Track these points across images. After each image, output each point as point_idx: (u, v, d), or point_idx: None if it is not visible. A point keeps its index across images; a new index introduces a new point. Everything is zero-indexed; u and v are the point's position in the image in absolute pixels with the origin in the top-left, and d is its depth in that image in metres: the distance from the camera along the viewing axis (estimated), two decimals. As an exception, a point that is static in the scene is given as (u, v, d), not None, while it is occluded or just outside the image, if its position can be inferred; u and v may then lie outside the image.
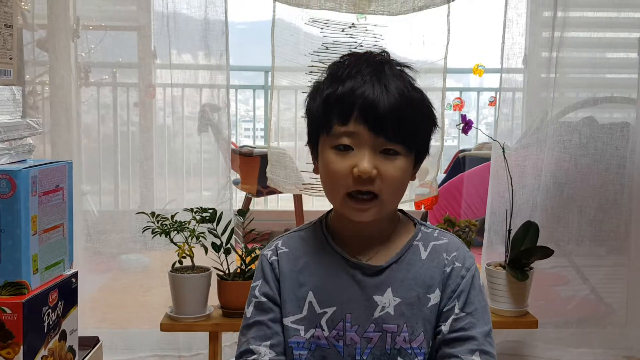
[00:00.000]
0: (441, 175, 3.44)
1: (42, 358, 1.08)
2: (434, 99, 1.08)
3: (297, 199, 3.47)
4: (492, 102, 4.05)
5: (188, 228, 1.95)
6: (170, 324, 1.94)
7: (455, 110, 3.16)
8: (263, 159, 2.35)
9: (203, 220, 1.95)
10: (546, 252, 2.00)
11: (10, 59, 1.17)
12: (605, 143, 2.28)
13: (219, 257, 1.96)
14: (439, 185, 2.69)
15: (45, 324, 1.09)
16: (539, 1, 2.32)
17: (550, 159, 2.26)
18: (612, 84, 2.49)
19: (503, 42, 2.21)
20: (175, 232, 1.94)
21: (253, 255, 1.97)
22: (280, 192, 3.56)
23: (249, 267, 1.98)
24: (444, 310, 1.05)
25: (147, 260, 2.43)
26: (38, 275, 1.09)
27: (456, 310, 1.04)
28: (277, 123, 2.36)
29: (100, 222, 2.37)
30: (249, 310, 1.08)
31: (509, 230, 2.04)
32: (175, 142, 2.44)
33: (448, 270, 1.06)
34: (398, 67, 1.04)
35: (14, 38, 1.12)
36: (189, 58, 2.36)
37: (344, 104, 0.99)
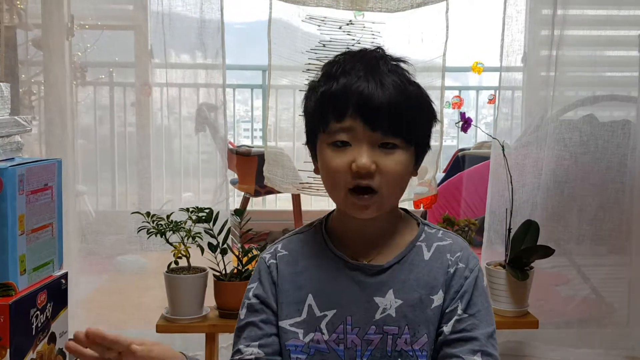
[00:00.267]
0: (440, 175, 3.41)
1: (30, 361, 1.05)
2: (433, 97, 1.07)
3: (296, 199, 3.45)
4: (491, 100, 4.03)
5: (184, 228, 1.92)
6: (166, 326, 1.92)
7: (454, 108, 3.14)
8: (261, 158, 2.32)
9: (199, 220, 1.92)
10: (546, 252, 1.98)
11: (-2, 55, 1.15)
12: (606, 141, 2.25)
13: (216, 258, 1.94)
14: (438, 185, 2.66)
15: (34, 327, 1.06)
16: (538, -2, 2.31)
17: (550, 157, 2.23)
18: (612, 82, 2.47)
19: (502, 39, 2.18)
20: (171, 232, 1.92)
21: (250, 255, 1.94)
22: (279, 192, 3.53)
23: (245, 268, 1.95)
24: (447, 311, 1.03)
25: (143, 261, 2.41)
26: (26, 276, 1.06)
27: (459, 312, 1.02)
28: (276, 123, 2.35)
29: (97, 223, 2.35)
30: (242, 313, 1.07)
31: (509, 230, 2.02)
32: (173, 142, 2.42)
33: (452, 271, 1.04)
34: (393, 62, 1.03)
35: (1, 35, 1.10)
36: (185, 57, 2.35)
37: (338, 100, 0.98)
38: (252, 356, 1.02)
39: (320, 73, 1.05)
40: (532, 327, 2.02)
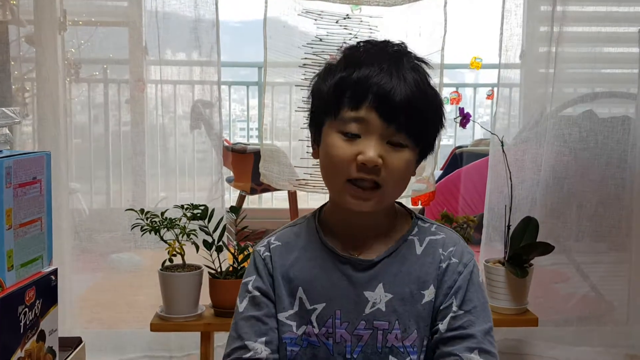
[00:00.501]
0: (438, 172, 3.39)
1: (18, 359, 1.02)
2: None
3: (292, 197, 3.42)
4: (489, 96, 4.01)
5: (179, 225, 1.89)
6: (161, 324, 1.89)
7: (452, 104, 3.12)
8: (257, 156, 2.30)
9: (194, 217, 1.90)
10: (546, 248, 1.95)
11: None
12: (606, 137, 2.23)
13: (211, 255, 1.91)
14: (436, 182, 2.63)
15: (22, 324, 1.03)
16: (536, -6, 2.29)
17: (549, 153, 2.21)
18: (611, 79, 2.45)
19: (501, 34, 2.16)
20: (166, 229, 1.89)
21: (246, 253, 1.92)
22: (275, 190, 3.51)
23: (241, 265, 1.93)
24: (441, 308, 1.01)
25: (138, 259, 2.39)
26: (13, 272, 1.03)
27: (454, 308, 1.00)
28: (272, 122, 2.33)
29: (90, 221, 2.32)
30: (242, 305, 1.05)
31: (508, 226, 2.00)
32: (167, 139, 2.40)
33: (444, 266, 1.02)
34: (416, 61, 1.01)
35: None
36: (180, 54, 2.33)
37: (358, 88, 0.96)
38: (264, 355, 1.00)
39: (339, 56, 1.03)
40: (531, 324, 2.00)
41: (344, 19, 2.11)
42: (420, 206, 2.67)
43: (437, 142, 1.08)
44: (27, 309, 1.04)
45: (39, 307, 1.07)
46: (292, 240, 1.07)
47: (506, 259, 1.99)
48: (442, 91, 2.16)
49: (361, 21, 2.11)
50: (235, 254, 1.92)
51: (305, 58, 2.09)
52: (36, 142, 2.29)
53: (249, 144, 3.59)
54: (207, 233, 1.89)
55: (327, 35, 2.11)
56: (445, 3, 2.10)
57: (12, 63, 2.35)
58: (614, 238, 2.29)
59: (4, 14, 2.34)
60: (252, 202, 4.50)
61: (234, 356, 1.01)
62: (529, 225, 2.00)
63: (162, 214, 1.91)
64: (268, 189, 3.38)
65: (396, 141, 0.97)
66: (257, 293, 1.04)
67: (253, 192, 3.42)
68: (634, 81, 2.32)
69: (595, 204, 2.25)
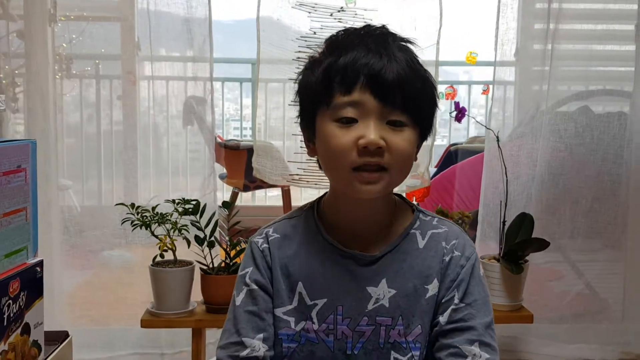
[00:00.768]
0: (432, 170, 3.36)
1: (1, 353, 0.99)
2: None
3: (286, 194, 3.40)
4: (485, 91, 4.00)
5: (170, 220, 1.86)
6: (151, 320, 1.86)
7: (447, 99, 3.10)
8: (250, 152, 2.27)
9: (186, 212, 1.87)
10: (541, 244, 1.93)
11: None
12: (602, 132, 2.22)
13: (203, 251, 1.88)
14: (431, 179, 2.61)
15: (5, 316, 1.00)
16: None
17: (545, 148, 2.20)
18: (605, 77, 2.44)
19: (497, 27, 2.14)
20: (157, 224, 1.86)
21: (238, 248, 1.89)
22: (268, 186, 3.48)
23: (233, 261, 1.90)
24: (443, 301, 0.99)
25: (129, 256, 2.36)
26: (-3, 263, 1.00)
27: (455, 301, 0.99)
28: (266, 122, 2.31)
29: (81, 217, 2.29)
30: (239, 298, 1.02)
31: (504, 222, 1.98)
32: (160, 135, 2.37)
33: (447, 259, 1.00)
34: (402, 42, 0.99)
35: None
36: (172, 49, 2.30)
37: (347, 72, 0.93)
38: (261, 352, 0.98)
39: (321, 47, 1.00)
40: (526, 321, 1.98)
41: (338, 11, 2.08)
42: (414, 202, 2.64)
43: (435, 121, 1.05)
44: (10, 301, 1.00)
45: (24, 299, 1.04)
46: (290, 233, 1.04)
47: (501, 255, 1.97)
48: (437, 80, 2.13)
49: (356, 14, 2.09)
50: (228, 249, 1.90)
51: (299, 52, 2.06)
52: (26, 136, 2.26)
53: (242, 141, 3.56)
54: (199, 228, 1.86)
55: (322, 29, 2.08)
56: (441, -4, 2.08)
57: (3, 58, 2.32)
58: (610, 234, 2.28)
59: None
60: (245, 200, 4.47)
61: (230, 352, 0.99)
62: (524, 221, 1.99)
63: (153, 208, 1.88)
64: (261, 185, 3.35)
65: (395, 120, 0.94)
66: (255, 287, 1.01)
67: (246, 189, 3.39)
68: (629, 79, 2.31)
69: (591, 200, 2.24)
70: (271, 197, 4.61)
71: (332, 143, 0.94)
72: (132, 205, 1.87)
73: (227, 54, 5.19)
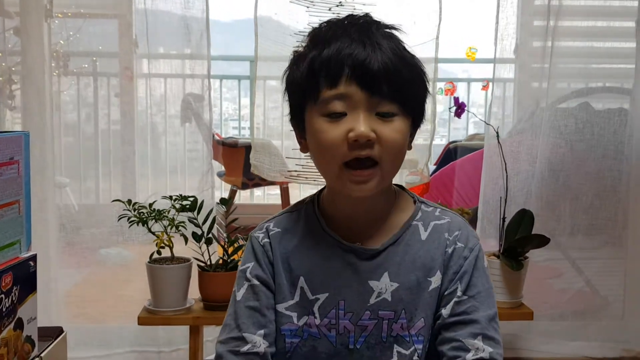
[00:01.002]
0: (431, 167, 3.35)
1: (-6, 348, 0.98)
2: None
3: (284, 192, 3.38)
4: (484, 87, 3.99)
5: (167, 217, 1.85)
6: (149, 318, 1.85)
7: (447, 94, 3.08)
8: (248, 150, 2.26)
9: (183, 209, 1.85)
10: (542, 241, 1.92)
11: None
12: (603, 128, 2.20)
13: (200, 248, 1.86)
14: (430, 175, 2.60)
15: (-2, 311, 0.98)
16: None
17: (545, 144, 2.18)
18: (605, 74, 2.43)
19: (497, 22, 2.13)
20: (154, 221, 1.84)
21: (236, 245, 1.87)
22: (266, 184, 3.46)
23: (231, 258, 1.88)
24: (446, 293, 0.98)
25: (126, 253, 2.35)
26: (-11, 256, 0.99)
27: (458, 293, 0.97)
28: (264, 122, 2.29)
29: (78, 215, 2.28)
30: (240, 293, 1.00)
31: (503, 219, 1.96)
32: (157, 133, 2.36)
33: (450, 251, 0.99)
34: (386, 29, 0.97)
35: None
36: (170, 46, 2.29)
37: (331, 65, 0.91)
38: (262, 348, 0.97)
39: (305, 41, 0.99)
40: (526, 318, 1.96)
41: (337, 6, 2.06)
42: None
43: (427, 127, 1.04)
44: (3, 296, 0.99)
45: (17, 293, 1.03)
46: (291, 227, 1.03)
47: (501, 251, 1.96)
48: (437, 73, 2.11)
49: (354, 9, 2.07)
50: (225, 246, 1.88)
51: (297, 47, 2.05)
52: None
53: (240, 138, 3.54)
54: (197, 225, 1.85)
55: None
56: (440, -9, 2.06)
57: None
58: (610, 231, 2.26)
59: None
60: (244, 198, 4.46)
61: (231, 347, 0.97)
62: (524, 217, 1.97)
63: (150, 205, 1.87)
64: (260, 183, 3.34)
65: (384, 111, 0.92)
66: (256, 282, 1.00)
67: (245, 186, 3.37)
68: (629, 76, 2.29)
69: (591, 197, 2.22)
70: (269, 196, 4.60)
71: (321, 138, 0.93)
72: (129, 201, 1.85)
73: (225, 53, 5.19)
